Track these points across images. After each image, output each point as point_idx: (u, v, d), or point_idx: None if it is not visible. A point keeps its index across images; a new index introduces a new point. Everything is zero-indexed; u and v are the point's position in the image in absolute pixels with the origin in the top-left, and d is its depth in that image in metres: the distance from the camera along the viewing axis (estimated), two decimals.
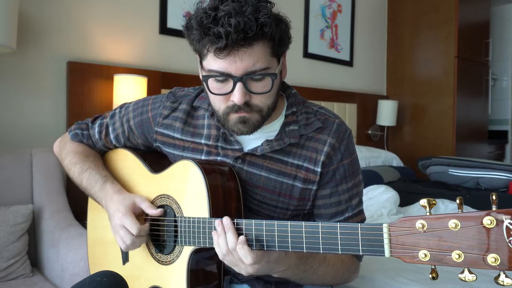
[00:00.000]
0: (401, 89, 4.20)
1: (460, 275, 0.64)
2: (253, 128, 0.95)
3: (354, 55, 3.91)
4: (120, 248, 1.10)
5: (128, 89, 2.14)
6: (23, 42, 2.02)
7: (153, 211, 1.00)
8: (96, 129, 1.20)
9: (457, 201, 0.63)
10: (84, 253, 1.45)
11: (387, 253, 0.69)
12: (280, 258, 0.87)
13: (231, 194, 0.96)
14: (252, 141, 1.02)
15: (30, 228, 1.71)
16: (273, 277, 0.94)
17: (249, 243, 0.84)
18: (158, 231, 1.03)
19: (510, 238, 0.58)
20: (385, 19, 4.30)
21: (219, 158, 1.03)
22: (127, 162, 1.16)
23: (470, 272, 0.63)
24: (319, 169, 1.00)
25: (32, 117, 2.08)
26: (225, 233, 0.85)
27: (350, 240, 0.74)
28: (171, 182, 1.02)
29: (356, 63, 3.95)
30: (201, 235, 0.92)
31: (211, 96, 0.94)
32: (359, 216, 1.05)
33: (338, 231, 0.75)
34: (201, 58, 0.92)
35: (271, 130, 1.01)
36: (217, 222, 0.86)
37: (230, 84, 0.89)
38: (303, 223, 0.79)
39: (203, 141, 1.05)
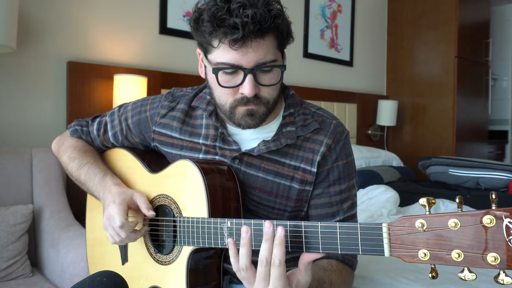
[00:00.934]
0: (401, 89, 4.20)
1: (460, 274, 0.64)
2: (260, 120, 0.95)
3: (354, 55, 3.91)
4: (120, 248, 1.10)
5: (128, 89, 2.14)
6: (23, 42, 2.02)
7: (145, 211, 0.98)
8: (95, 127, 1.21)
9: (457, 200, 0.63)
10: (84, 253, 1.45)
11: (386, 252, 0.69)
12: None
13: (230, 193, 0.96)
14: (249, 142, 1.02)
15: (30, 228, 1.71)
16: None
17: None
18: (157, 231, 1.03)
19: (510, 237, 0.58)
20: (385, 19, 4.30)
21: (217, 158, 1.02)
22: (125, 162, 1.16)
23: (470, 271, 0.63)
24: (315, 170, 0.99)
25: (32, 117, 2.08)
26: (272, 242, 0.77)
27: (349, 240, 0.74)
28: (169, 182, 1.02)
29: (356, 63, 3.95)
30: (200, 235, 0.92)
31: (218, 90, 0.93)
32: (352, 221, 1.03)
33: (338, 230, 0.75)
34: (208, 51, 0.92)
35: (268, 130, 1.01)
36: (268, 224, 0.78)
37: (239, 76, 0.89)
38: (302, 222, 0.79)
39: (201, 141, 1.05)
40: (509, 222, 0.58)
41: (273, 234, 0.77)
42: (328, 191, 1.01)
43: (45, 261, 1.70)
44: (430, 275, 0.66)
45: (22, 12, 2.00)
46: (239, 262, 0.80)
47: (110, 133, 1.19)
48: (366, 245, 0.72)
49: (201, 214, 0.93)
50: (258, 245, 0.84)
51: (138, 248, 1.07)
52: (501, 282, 0.60)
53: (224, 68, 0.89)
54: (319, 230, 0.77)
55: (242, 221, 0.85)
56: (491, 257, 0.60)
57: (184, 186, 0.98)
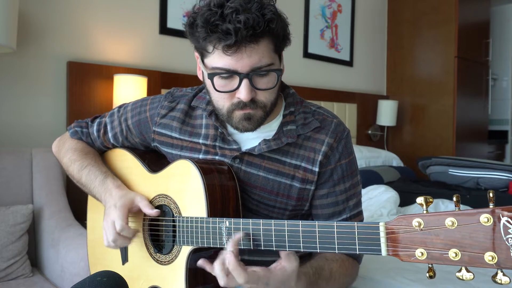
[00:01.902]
0: (401, 89, 4.20)
1: (457, 274, 0.63)
2: (257, 124, 0.95)
3: (354, 55, 3.91)
4: (120, 249, 1.10)
5: (128, 89, 2.14)
6: (23, 42, 2.02)
7: (149, 211, 0.98)
8: (95, 128, 1.20)
9: (454, 198, 0.63)
10: (84, 253, 1.45)
11: (383, 251, 0.69)
12: (287, 284, 0.84)
13: (229, 193, 0.96)
14: (250, 141, 1.02)
15: (30, 228, 1.71)
16: None
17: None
18: (156, 231, 1.03)
19: (508, 236, 0.58)
20: (385, 19, 4.30)
21: (217, 157, 1.03)
22: (125, 162, 1.16)
23: (468, 271, 0.63)
24: (317, 169, 0.99)
25: (32, 117, 2.09)
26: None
27: (346, 239, 0.74)
28: (169, 182, 1.02)
29: (356, 63, 3.95)
30: (199, 235, 0.92)
31: (215, 94, 0.93)
32: (358, 218, 1.04)
33: (335, 230, 0.75)
34: (204, 56, 0.92)
35: (269, 129, 1.01)
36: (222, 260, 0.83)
37: (235, 81, 0.89)
38: (300, 222, 0.79)
39: (201, 141, 1.05)
40: (506, 221, 0.58)
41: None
42: (334, 190, 1.01)
43: (45, 261, 1.70)
44: (427, 274, 0.66)
45: (22, 12, 2.00)
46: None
47: (110, 134, 1.19)
48: (363, 244, 0.72)
49: (200, 214, 0.93)
50: (256, 245, 0.84)
51: (138, 248, 1.07)
52: (499, 281, 0.60)
53: (219, 73, 0.89)
54: (317, 229, 0.77)
55: (241, 220, 0.86)
56: (488, 256, 0.60)
57: (183, 186, 0.98)
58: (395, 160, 3.55)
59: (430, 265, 0.66)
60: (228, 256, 0.81)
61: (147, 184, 1.08)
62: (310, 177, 1.00)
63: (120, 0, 2.38)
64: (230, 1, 0.85)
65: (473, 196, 2.56)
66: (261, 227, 0.83)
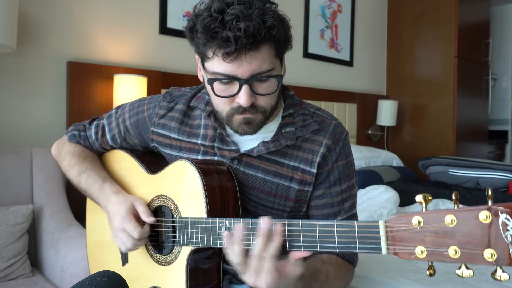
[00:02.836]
0: (401, 89, 4.20)
1: (457, 271, 0.64)
2: (257, 128, 0.94)
3: (354, 55, 3.91)
4: (120, 249, 1.10)
5: (128, 89, 2.14)
6: (23, 42, 2.02)
7: (146, 219, 0.98)
8: (93, 130, 1.20)
9: (453, 196, 0.63)
10: (84, 253, 1.46)
11: (383, 250, 0.69)
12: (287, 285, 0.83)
13: (229, 193, 0.96)
14: (248, 142, 1.02)
15: (30, 228, 1.71)
16: None
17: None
18: (156, 232, 1.03)
19: (506, 233, 0.58)
20: (385, 19, 4.30)
21: (215, 158, 1.02)
22: (124, 164, 1.16)
23: (467, 268, 0.63)
24: (314, 170, 0.99)
25: (32, 117, 2.09)
26: (268, 237, 0.78)
27: (347, 238, 0.74)
28: (168, 183, 1.02)
29: (356, 63, 3.95)
30: (199, 235, 0.92)
31: (215, 98, 0.93)
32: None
33: (335, 228, 0.75)
34: (204, 60, 0.91)
35: (268, 131, 1.01)
36: (267, 220, 0.79)
37: (235, 86, 0.88)
38: (300, 221, 0.79)
39: (199, 142, 1.05)
40: (505, 218, 0.58)
41: (269, 230, 0.79)
42: (330, 191, 1.01)
43: (45, 261, 1.70)
44: (427, 272, 0.66)
45: (22, 12, 2.00)
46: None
47: (108, 136, 1.18)
48: (363, 243, 0.72)
49: (200, 214, 0.93)
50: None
51: (138, 249, 1.07)
52: (498, 278, 0.60)
53: (219, 78, 0.88)
54: (317, 228, 0.77)
55: (241, 220, 0.85)
56: (488, 253, 0.60)
57: (182, 187, 0.98)
58: (395, 160, 3.55)
59: (430, 263, 0.66)
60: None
61: (146, 185, 1.07)
62: (308, 178, 1.00)
63: (120, 0, 2.38)
64: (230, 7, 0.83)
65: (473, 196, 2.56)
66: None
